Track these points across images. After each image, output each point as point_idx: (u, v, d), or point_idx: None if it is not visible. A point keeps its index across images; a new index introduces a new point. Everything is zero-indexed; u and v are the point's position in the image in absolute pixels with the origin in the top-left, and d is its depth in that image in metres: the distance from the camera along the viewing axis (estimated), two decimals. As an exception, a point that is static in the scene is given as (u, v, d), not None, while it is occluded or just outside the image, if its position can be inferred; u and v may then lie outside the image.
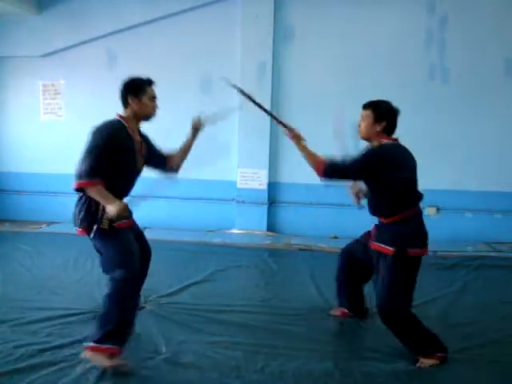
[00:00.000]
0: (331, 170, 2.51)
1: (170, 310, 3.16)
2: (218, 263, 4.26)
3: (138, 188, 2.65)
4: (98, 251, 2.51)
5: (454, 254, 4.54)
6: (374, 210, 2.60)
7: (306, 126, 5.27)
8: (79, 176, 2.32)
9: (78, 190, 2.38)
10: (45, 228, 5.41)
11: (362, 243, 2.76)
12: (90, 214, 2.38)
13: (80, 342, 2.60)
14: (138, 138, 2.59)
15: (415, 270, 2.47)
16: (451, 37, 5.01)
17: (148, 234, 5.08)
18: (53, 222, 5.56)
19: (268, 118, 5.24)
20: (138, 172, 2.61)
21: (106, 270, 2.45)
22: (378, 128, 2.50)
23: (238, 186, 5.46)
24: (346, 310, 3.04)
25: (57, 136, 5.76)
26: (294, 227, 5.49)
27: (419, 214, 2.51)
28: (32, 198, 5.80)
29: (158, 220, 5.50)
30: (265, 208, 5.45)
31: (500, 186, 5.11)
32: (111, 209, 2.30)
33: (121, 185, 2.51)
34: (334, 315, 3.08)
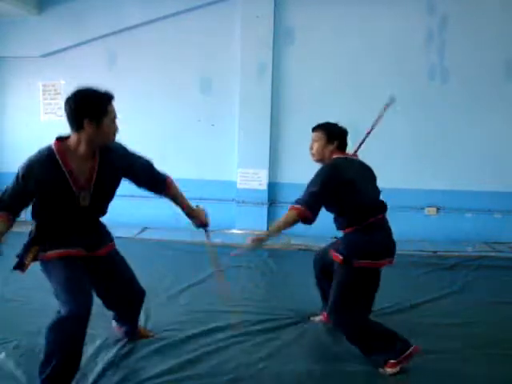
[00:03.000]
0: (310, 206, 2.41)
1: (170, 311, 3.16)
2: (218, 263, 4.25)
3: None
4: None
5: (454, 254, 4.54)
6: (334, 221, 2.70)
7: (306, 127, 5.31)
8: None
9: None
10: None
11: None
12: (24, 245, 2.28)
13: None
14: (83, 167, 2.06)
15: (368, 282, 2.41)
16: (451, 37, 5.01)
17: (148, 234, 5.07)
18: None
19: (268, 118, 5.30)
20: (81, 207, 2.13)
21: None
22: (331, 148, 2.56)
23: (238, 186, 5.46)
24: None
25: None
26: (294, 227, 5.46)
27: (381, 224, 2.47)
28: (32, 198, 5.80)
29: (158, 220, 5.49)
30: (265, 208, 5.45)
31: (500, 186, 5.11)
32: None
33: (61, 224, 2.19)
34: (317, 321, 3.01)
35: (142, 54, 5.49)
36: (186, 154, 5.52)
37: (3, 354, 2.49)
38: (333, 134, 2.56)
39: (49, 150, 2.03)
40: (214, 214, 5.52)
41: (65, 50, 5.61)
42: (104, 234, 2.39)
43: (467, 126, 5.08)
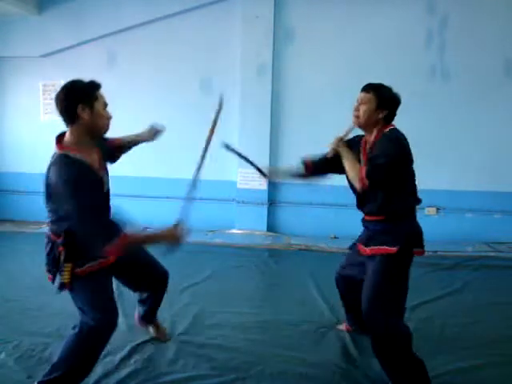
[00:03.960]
0: (373, 180, 2.17)
1: (170, 311, 3.16)
2: (218, 263, 4.26)
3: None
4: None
5: (454, 254, 4.54)
6: (373, 207, 2.30)
7: (306, 127, 5.32)
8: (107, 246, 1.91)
9: None
10: (45, 228, 5.40)
11: (353, 261, 2.54)
12: (52, 261, 2.18)
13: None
14: (94, 157, 2.08)
15: (407, 274, 2.25)
16: (451, 37, 5.00)
17: (148, 234, 5.01)
18: (53, 222, 5.55)
19: (268, 118, 5.30)
20: (105, 194, 2.20)
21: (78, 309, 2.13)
22: (380, 115, 2.25)
23: (238, 186, 5.46)
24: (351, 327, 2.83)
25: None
26: (294, 227, 5.48)
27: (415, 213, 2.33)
28: (32, 198, 5.79)
29: (158, 220, 5.48)
30: (265, 208, 5.45)
31: (500, 186, 5.11)
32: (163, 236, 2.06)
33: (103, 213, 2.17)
34: (340, 329, 2.89)
35: (142, 53, 5.49)
36: (185, 153, 5.49)
37: (3, 354, 2.49)
38: (385, 100, 2.25)
39: (63, 155, 2.02)
40: (214, 214, 5.60)
41: (65, 50, 5.61)
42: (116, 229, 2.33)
43: (467, 126, 5.07)
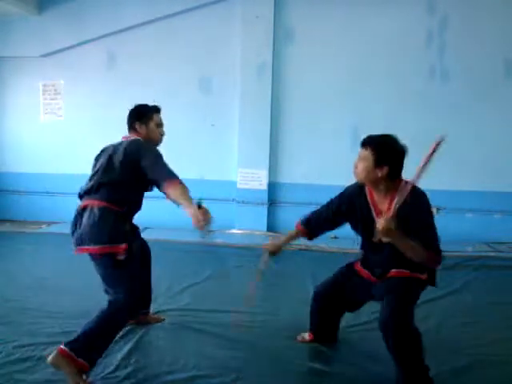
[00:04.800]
0: (440, 253, 2.18)
1: (170, 311, 3.16)
2: (218, 263, 4.26)
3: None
4: (106, 271, 2.28)
5: (454, 254, 4.54)
6: (396, 262, 2.20)
7: (306, 127, 5.32)
8: (169, 177, 2.29)
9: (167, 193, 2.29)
10: (45, 228, 5.41)
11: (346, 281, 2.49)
12: (122, 231, 2.29)
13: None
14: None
15: None
16: (451, 37, 5.01)
17: (148, 234, 5.08)
18: (53, 222, 5.56)
19: (268, 118, 5.30)
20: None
21: (108, 290, 2.31)
22: (380, 174, 2.11)
23: (238, 186, 5.46)
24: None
25: (57, 136, 5.76)
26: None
27: None
28: (32, 198, 5.80)
29: (158, 220, 5.49)
30: (265, 208, 5.45)
31: (500, 186, 5.12)
32: (193, 213, 2.19)
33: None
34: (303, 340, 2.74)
35: (141, 53, 5.49)
36: (185, 153, 5.51)
37: (3, 354, 2.49)
38: (384, 157, 2.09)
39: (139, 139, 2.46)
40: (214, 214, 5.58)
41: (65, 50, 5.61)
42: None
43: (467, 126, 5.07)
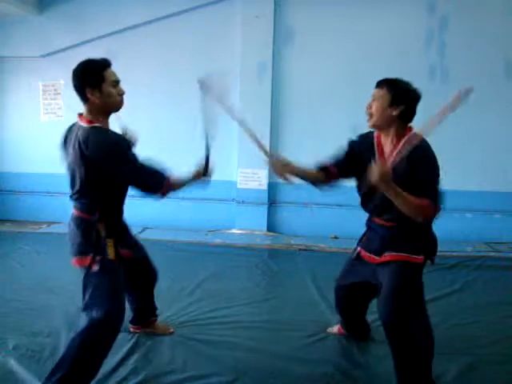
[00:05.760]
0: (438, 203, 2.09)
1: (170, 311, 3.16)
2: (218, 263, 4.26)
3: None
4: (83, 283, 2.12)
5: (454, 254, 4.54)
6: (392, 213, 2.12)
7: (306, 126, 5.32)
8: (159, 182, 2.07)
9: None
10: (45, 228, 5.41)
11: (355, 270, 2.42)
12: (90, 241, 2.08)
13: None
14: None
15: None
16: (451, 37, 5.00)
17: (148, 234, 5.06)
18: (53, 222, 5.56)
19: (268, 118, 5.29)
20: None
21: (84, 306, 2.07)
22: (394, 113, 2.07)
23: (238, 186, 5.46)
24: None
25: (57, 136, 5.68)
26: (294, 227, 5.49)
27: None
28: (32, 198, 5.80)
29: (158, 220, 5.50)
30: (265, 208, 5.45)
31: (499, 186, 5.11)
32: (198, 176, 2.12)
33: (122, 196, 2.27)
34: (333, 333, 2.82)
35: (141, 54, 5.49)
36: (185, 154, 5.50)
37: (3, 354, 2.49)
38: (400, 96, 2.06)
39: (94, 127, 2.06)
40: (214, 214, 5.60)
41: (65, 49, 5.60)
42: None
43: (467, 126, 5.06)
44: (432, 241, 2.23)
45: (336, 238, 5.26)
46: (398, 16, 5.05)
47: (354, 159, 2.30)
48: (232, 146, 5.44)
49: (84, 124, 2.09)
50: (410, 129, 2.15)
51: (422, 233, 2.18)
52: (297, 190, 5.38)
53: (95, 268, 2.06)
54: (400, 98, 2.07)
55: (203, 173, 2.51)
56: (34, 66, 5.72)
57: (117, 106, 2.15)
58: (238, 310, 3.19)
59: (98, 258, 2.07)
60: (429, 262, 2.24)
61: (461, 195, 5.16)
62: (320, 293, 3.53)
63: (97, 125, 2.06)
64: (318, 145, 5.40)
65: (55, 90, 5.72)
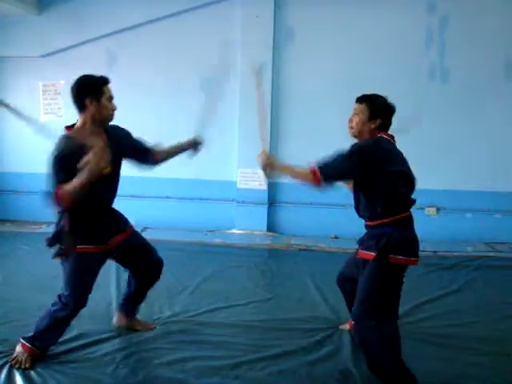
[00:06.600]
0: (327, 173, 2.23)
1: (170, 311, 3.16)
2: (218, 263, 4.26)
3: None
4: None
5: (454, 254, 4.54)
6: (361, 210, 2.36)
7: (306, 126, 5.32)
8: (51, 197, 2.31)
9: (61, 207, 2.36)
10: (45, 228, 5.40)
11: (352, 262, 2.56)
12: (55, 232, 2.42)
13: (78, 339, 2.64)
14: (96, 142, 2.27)
15: (397, 281, 2.26)
16: (451, 37, 5.00)
17: (148, 234, 5.06)
18: (53, 222, 5.52)
19: (268, 118, 5.29)
20: (104, 175, 2.31)
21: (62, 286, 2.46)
22: (373, 126, 2.32)
23: (238, 186, 5.46)
24: None
25: (57, 136, 5.75)
26: (294, 227, 5.49)
27: (411, 218, 2.31)
28: (32, 198, 5.79)
29: (158, 220, 5.49)
30: (265, 208, 5.45)
31: (500, 186, 5.11)
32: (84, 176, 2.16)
33: (90, 193, 2.27)
34: (346, 330, 2.86)
35: (141, 54, 5.49)
36: (185, 153, 5.51)
37: (3, 354, 2.49)
38: (377, 111, 2.32)
39: (66, 135, 2.37)
40: (214, 214, 5.60)
41: (65, 50, 5.61)
42: (120, 219, 2.59)
43: (467, 126, 5.07)
44: (397, 239, 2.22)
45: (336, 238, 5.27)
46: (398, 16, 5.05)
47: None
48: (232, 146, 5.44)
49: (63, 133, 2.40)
50: (381, 132, 2.34)
51: (385, 231, 2.24)
52: (297, 190, 5.39)
53: (63, 258, 2.39)
54: (377, 112, 2.32)
55: (195, 142, 2.81)
56: (34, 65, 5.72)
57: (108, 118, 2.39)
58: (238, 310, 3.19)
59: (60, 248, 2.37)
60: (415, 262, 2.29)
61: (461, 195, 5.16)
62: (320, 293, 3.53)
63: (67, 134, 2.38)
64: (318, 144, 5.40)
65: (55, 90, 5.72)
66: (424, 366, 2.42)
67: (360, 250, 2.35)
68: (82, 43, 5.56)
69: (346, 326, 2.88)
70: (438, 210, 5.20)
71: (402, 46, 5.08)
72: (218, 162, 5.55)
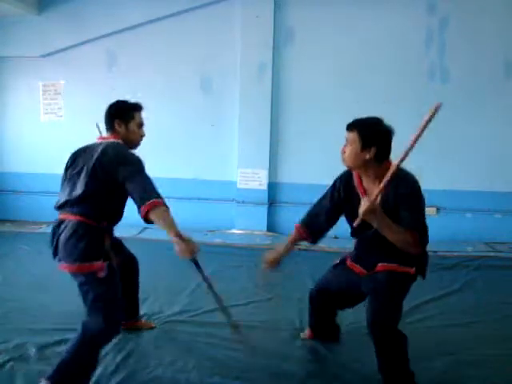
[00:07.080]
0: (422, 234, 2.08)
1: (170, 311, 3.16)
2: (218, 263, 4.26)
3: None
4: (82, 290, 2.17)
5: (454, 254, 4.54)
6: (380, 252, 2.18)
7: (306, 126, 5.32)
8: (147, 198, 2.05)
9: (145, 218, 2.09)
10: (45, 228, 5.40)
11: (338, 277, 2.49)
12: (97, 247, 2.15)
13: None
14: None
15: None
16: (451, 37, 5.00)
17: (148, 234, 5.05)
18: (53, 222, 5.54)
19: (268, 118, 5.29)
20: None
21: (87, 313, 2.18)
22: (367, 156, 2.05)
23: (238, 186, 5.46)
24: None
25: (57, 136, 5.76)
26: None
27: None
28: (32, 198, 5.79)
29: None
30: (265, 208, 5.45)
31: (499, 186, 5.11)
32: (177, 242, 2.11)
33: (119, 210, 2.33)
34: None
35: (141, 54, 5.49)
36: (185, 154, 5.52)
37: (3, 354, 2.49)
38: (370, 138, 2.04)
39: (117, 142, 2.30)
40: (214, 214, 5.60)
41: (65, 49, 5.61)
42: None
43: (467, 126, 5.07)
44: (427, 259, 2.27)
45: (336, 238, 5.26)
46: (398, 16, 5.05)
47: (337, 208, 2.41)
48: (232, 146, 5.44)
49: (108, 139, 2.33)
50: (389, 163, 2.09)
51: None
52: (297, 190, 5.39)
53: (102, 274, 2.11)
54: (370, 140, 2.05)
55: (188, 249, 2.38)
56: (34, 65, 5.72)
57: (136, 143, 2.41)
58: (238, 310, 3.18)
59: (105, 264, 2.13)
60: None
61: (461, 195, 5.16)
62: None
63: (116, 141, 2.31)
64: (318, 144, 5.42)
65: (55, 90, 5.72)
66: (424, 365, 2.42)
67: (385, 264, 2.18)
68: (82, 43, 5.56)
69: (305, 335, 2.80)
70: (438, 210, 5.20)
71: (402, 46, 5.08)
72: (217, 161, 5.56)
